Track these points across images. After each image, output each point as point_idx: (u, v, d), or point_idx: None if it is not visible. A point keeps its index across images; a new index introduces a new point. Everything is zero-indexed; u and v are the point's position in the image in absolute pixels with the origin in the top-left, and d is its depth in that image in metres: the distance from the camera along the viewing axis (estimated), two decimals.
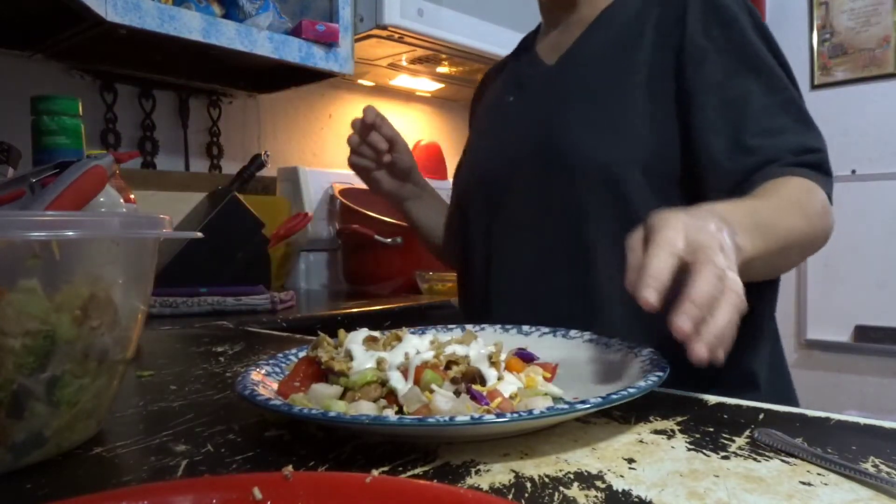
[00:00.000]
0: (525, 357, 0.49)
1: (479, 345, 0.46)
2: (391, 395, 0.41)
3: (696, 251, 0.42)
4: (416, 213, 1.03)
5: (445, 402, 0.39)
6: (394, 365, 0.42)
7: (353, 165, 0.98)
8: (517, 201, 0.83)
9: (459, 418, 0.34)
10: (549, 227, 0.79)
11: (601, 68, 0.80)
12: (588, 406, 0.35)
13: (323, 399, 0.41)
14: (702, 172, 0.72)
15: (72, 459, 0.37)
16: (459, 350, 0.44)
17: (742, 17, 0.73)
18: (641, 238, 0.46)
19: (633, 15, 0.80)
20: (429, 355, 0.43)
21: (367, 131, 0.94)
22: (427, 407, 0.39)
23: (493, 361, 0.44)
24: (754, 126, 0.69)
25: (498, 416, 0.34)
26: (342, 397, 0.42)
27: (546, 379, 0.46)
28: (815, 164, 0.68)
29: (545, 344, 0.56)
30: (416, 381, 0.41)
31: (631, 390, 0.38)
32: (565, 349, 0.54)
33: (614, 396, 0.37)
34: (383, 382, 0.42)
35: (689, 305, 0.39)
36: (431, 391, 0.40)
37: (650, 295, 0.40)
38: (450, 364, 0.43)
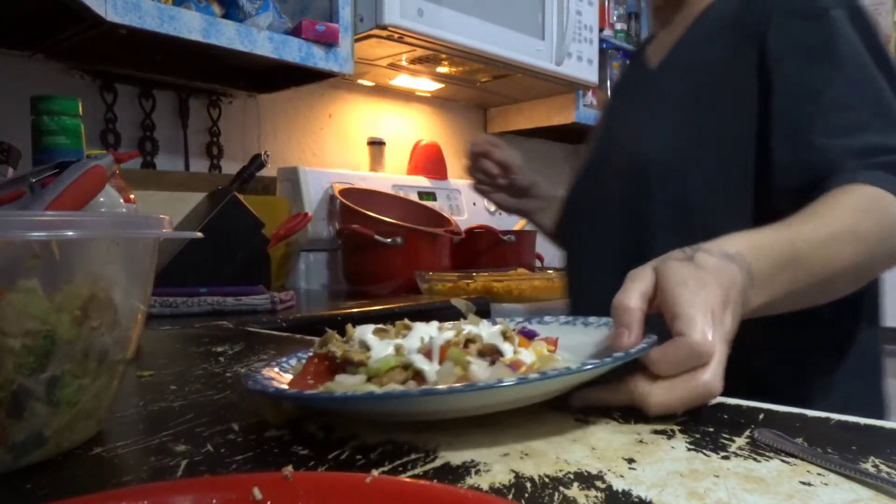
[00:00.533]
0: (527, 334, 0.51)
1: (487, 325, 0.47)
2: (418, 377, 0.41)
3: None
4: (545, 224, 1.10)
5: (483, 371, 0.40)
6: (413, 349, 0.42)
7: (475, 189, 1.10)
8: (598, 206, 0.86)
9: (508, 380, 0.35)
10: (617, 232, 0.80)
11: (681, 71, 0.79)
12: (622, 357, 0.39)
13: (352, 388, 0.40)
14: (770, 173, 0.68)
15: (72, 459, 0.37)
16: (473, 329, 0.45)
17: (834, 10, 0.68)
18: (647, 293, 0.45)
19: (726, 14, 0.77)
20: (449, 335, 0.43)
21: (477, 158, 1.05)
22: (465, 379, 0.39)
23: (506, 337, 0.45)
24: (824, 122, 0.64)
25: (544, 374, 0.36)
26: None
27: (550, 352, 0.48)
28: (891, 165, 0.61)
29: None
30: (442, 361, 0.41)
31: (642, 346, 0.41)
32: (547, 333, 0.55)
33: (633, 351, 0.40)
34: (406, 367, 0.42)
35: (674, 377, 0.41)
36: (465, 365, 0.41)
37: None
38: (468, 342, 0.43)
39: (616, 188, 0.81)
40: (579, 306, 0.88)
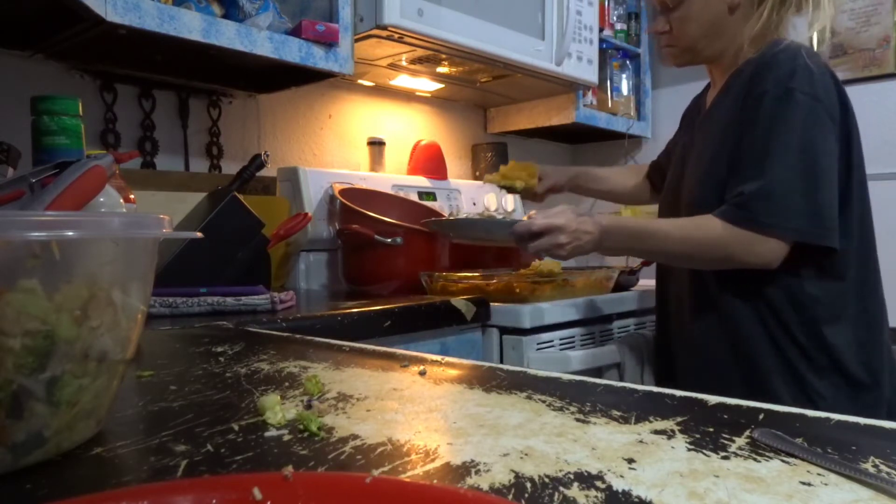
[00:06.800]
0: None
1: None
2: None
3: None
4: (603, 190, 1.53)
5: None
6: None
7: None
8: (672, 211, 1.22)
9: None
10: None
11: (711, 126, 1.12)
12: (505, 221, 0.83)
13: None
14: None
15: (72, 459, 0.37)
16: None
17: (768, 93, 1.01)
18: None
19: (740, 85, 1.08)
20: None
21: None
22: None
23: None
24: (736, 174, 1.03)
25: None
26: None
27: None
28: (735, 203, 1.00)
29: None
30: None
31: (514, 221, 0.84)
32: None
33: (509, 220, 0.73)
34: None
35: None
36: None
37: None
38: None
39: (669, 201, 1.23)
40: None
